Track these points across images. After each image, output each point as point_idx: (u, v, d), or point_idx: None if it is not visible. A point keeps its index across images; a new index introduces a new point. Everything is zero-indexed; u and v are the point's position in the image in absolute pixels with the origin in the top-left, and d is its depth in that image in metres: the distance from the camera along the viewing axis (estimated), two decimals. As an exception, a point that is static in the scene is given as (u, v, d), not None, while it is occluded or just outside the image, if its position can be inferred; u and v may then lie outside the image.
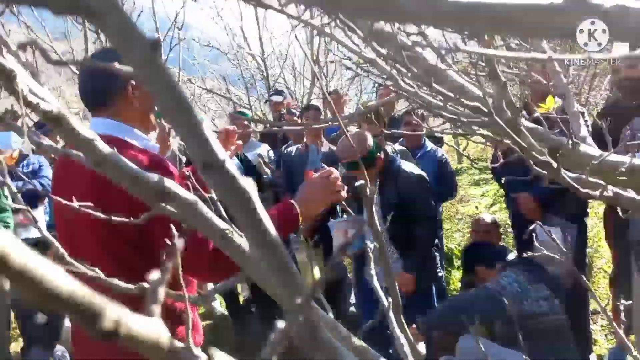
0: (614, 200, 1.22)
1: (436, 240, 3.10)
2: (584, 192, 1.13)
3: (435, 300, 3.03)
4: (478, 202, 7.09)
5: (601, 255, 4.48)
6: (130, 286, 0.88)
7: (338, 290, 3.76)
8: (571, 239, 2.79)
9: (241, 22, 7.55)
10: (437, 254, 3.08)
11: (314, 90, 8.17)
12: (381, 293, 0.65)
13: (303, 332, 0.43)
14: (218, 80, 8.62)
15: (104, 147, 0.87)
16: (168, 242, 0.53)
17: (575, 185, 1.13)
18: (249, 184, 0.40)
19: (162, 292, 0.31)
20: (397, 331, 0.60)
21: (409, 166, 2.94)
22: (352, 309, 3.98)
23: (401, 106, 8.43)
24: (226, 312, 4.26)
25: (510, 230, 4.72)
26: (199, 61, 7.80)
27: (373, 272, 0.66)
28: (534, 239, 2.38)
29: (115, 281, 0.87)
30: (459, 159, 9.65)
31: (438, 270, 3.12)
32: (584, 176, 1.22)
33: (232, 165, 0.39)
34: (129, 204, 1.06)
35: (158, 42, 0.36)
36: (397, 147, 3.48)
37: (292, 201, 1.48)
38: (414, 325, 2.42)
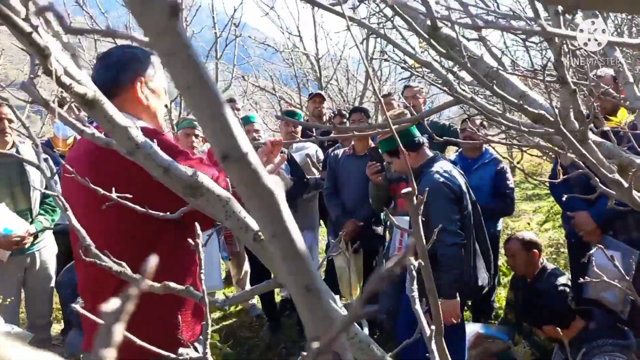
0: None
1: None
2: (659, 217, 1.02)
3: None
4: (530, 218, 6.81)
5: (662, 284, 4.19)
6: (156, 284, 0.84)
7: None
8: (632, 264, 2.60)
9: (298, 22, 7.56)
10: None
11: (367, 94, 8.09)
12: (423, 318, 0.57)
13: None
14: (272, 79, 8.66)
15: (138, 135, 0.83)
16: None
17: (649, 208, 1.02)
18: (274, 181, 0.34)
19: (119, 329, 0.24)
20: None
21: (439, 166, 2.66)
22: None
23: (453, 113, 8.22)
24: (262, 311, 4.25)
25: (563, 250, 4.50)
26: (253, 59, 7.85)
27: (415, 293, 0.59)
28: (592, 263, 2.23)
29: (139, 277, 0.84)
30: (512, 172, 9.33)
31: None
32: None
33: (256, 158, 0.33)
34: (128, 190, 1.05)
35: (178, 6, 0.30)
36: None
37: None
38: None
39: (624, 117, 1.32)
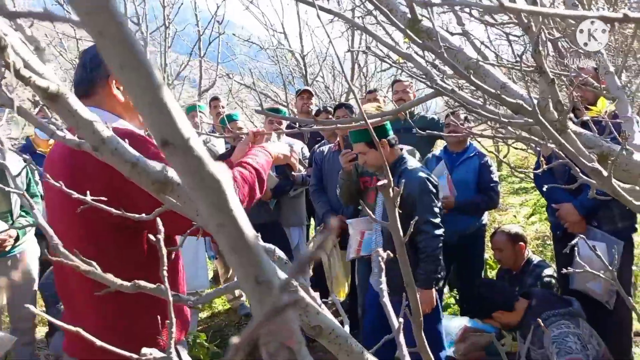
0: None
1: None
2: (637, 205, 1.01)
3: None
4: (517, 211, 6.85)
5: (647, 274, 4.23)
6: (126, 283, 0.81)
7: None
8: (616, 255, 2.61)
9: (282, 19, 7.52)
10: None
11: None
12: (392, 312, 0.56)
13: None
14: (257, 77, 8.61)
15: (104, 130, 0.81)
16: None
17: (628, 197, 1.01)
18: (219, 169, 0.32)
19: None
20: (408, 358, 0.51)
21: (414, 164, 2.81)
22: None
23: (440, 108, 8.25)
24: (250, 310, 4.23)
25: (549, 242, 4.52)
26: (237, 57, 7.80)
27: (384, 285, 0.57)
28: (576, 254, 2.24)
29: (110, 277, 0.81)
30: (499, 166, 9.37)
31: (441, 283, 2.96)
32: (638, 187, 1.10)
33: (199, 144, 0.31)
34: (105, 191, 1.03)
35: (108, -19, 0.28)
36: (406, 147, 3.36)
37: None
38: None
39: (603, 106, 1.31)
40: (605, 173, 0.99)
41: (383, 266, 0.58)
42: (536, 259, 3.27)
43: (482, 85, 1.09)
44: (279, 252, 1.03)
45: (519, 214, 6.67)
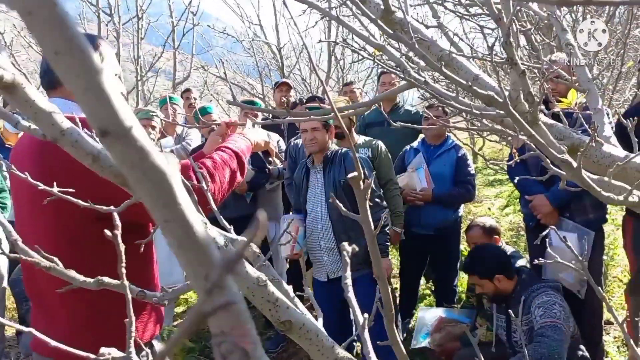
0: (638, 206, 1.10)
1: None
2: (607, 196, 1.02)
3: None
4: (492, 203, 6.93)
5: (617, 263, 4.32)
6: (89, 280, 0.79)
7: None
8: (588, 245, 2.66)
9: (258, 11, 7.43)
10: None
11: (329, 83, 8.06)
12: (357, 306, 0.54)
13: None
14: (234, 70, 8.53)
15: (64, 121, 0.78)
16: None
17: (597, 188, 1.02)
18: (165, 160, 0.30)
19: None
20: (373, 354, 0.50)
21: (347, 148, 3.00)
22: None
23: (416, 101, 8.28)
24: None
25: (523, 233, 4.58)
26: (212, 49, 7.70)
27: (349, 281, 0.56)
28: (547, 245, 2.27)
29: (72, 273, 0.79)
30: (474, 158, 9.48)
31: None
32: (606, 178, 1.11)
33: (142, 133, 0.29)
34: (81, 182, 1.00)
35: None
36: (376, 140, 3.42)
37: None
38: None
39: (573, 98, 1.32)
40: (574, 164, 0.99)
41: (348, 260, 0.57)
42: (510, 249, 3.31)
43: (453, 76, 1.09)
44: (252, 245, 1.01)
45: (494, 206, 6.75)
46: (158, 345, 1.58)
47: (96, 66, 0.28)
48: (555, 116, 1.51)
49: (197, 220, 0.31)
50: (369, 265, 2.80)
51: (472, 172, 3.72)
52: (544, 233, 1.26)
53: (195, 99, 4.87)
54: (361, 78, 9.66)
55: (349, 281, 0.57)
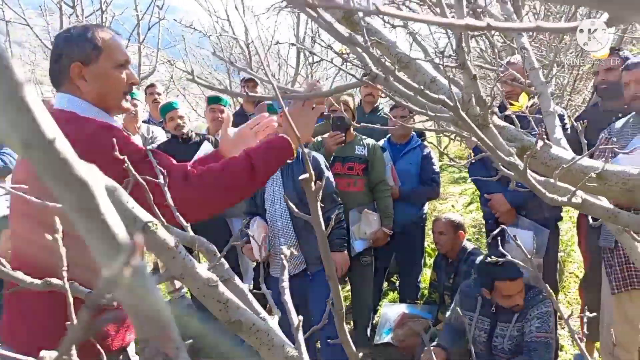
0: (581, 207, 1.15)
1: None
2: (550, 198, 1.06)
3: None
4: (456, 200, 7.06)
5: (573, 259, 4.47)
6: (37, 281, 0.78)
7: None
8: (542, 243, 2.74)
9: (226, 5, 7.36)
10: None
11: (298, 79, 8.06)
12: (292, 309, 0.56)
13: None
14: (201, 65, 8.43)
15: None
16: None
17: (542, 189, 1.06)
18: (88, 171, 0.31)
19: None
20: (306, 355, 0.51)
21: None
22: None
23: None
24: (192, 302, 4.17)
25: (485, 230, 4.68)
26: (179, 43, 7.58)
27: (286, 284, 0.57)
28: (501, 243, 2.33)
29: (20, 275, 0.78)
30: (440, 156, 9.63)
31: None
32: (552, 180, 1.15)
33: (65, 145, 0.30)
34: None
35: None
36: (368, 139, 3.45)
37: (282, 135, 1.57)
38: None
39: (524, 101, 1.36)
40: (520, 167, 1.03)
41: (286, 264, 0.58)
42: (470, 246, 3.39)
43: (404, 80, 1.11)
44: (207, 244, 1.01)
45: (458, 203, 6.88)
46: (131, 350, 1.56)
47: (17, 77, 0.29)
48: (506, 118, 1.56)
49: (121, 230, 0.32)
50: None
51: (437, 170, 3.81)
52: (495, 232, 1.31)
53: (159, 94, 4.80)
54: (330, 75, 9.69)
55: (285, 284, 0.58)
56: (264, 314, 0.91)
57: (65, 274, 0.52)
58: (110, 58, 1.44)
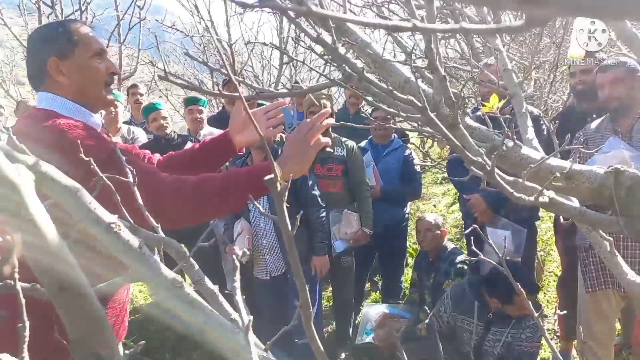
0: (548, 207, 1.17)
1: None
2: (517, 197, 1.07)
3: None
4: (439, 200, 7.11)
5: (553, 259, 4.52)
6: (-4, 282, 0.77)
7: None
8: (520, 242, 2.78)
9: (208, 6, 7.34)
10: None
11: (282, 80, 8.05)
12: (243, 308, 0.56)
13: None
14: (184, 65, 8.38)
15: None
16: None
17: (509, 188, 1.07)
18: (17, 172, 0.31)
19: None
20: (256, 356, 0.51)
21: None
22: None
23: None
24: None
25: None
26: (161, 44, 7.52)
27: (237, 284, 0.58)
28: (471, 243, 2.34)
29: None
30: (424, 157, 9.67)
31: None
32: (521, 180, 1.17)
33: (-8, 146, 0.30)
34: None
35: None
36: (348, 141, 3.45)
37: (276, 162, 1.44)
38: None
39: (495, 102, 1.38)
40: (488, 167, 1.04)
41: (237, 264, 0.58)
42: (451, 246, 3.41)
43: (373, 80, 1.12)
44: (177, 246, 1.01)
45: (440, 203, 6.92)
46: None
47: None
48: (478, 118, 1.58)
49: (52, 231, 0.32)
50: (307, 262, 2.83)
51: (418, 170, 3.84)
52: (467, 231, 1.32)
53: (142, 94, 4.77)
54: (314, 76, 9.69)
55: (237, 284, 0.58)
56: (235, 315, 0.91)
57: (17, 278, 0.51)
58: (87, 49, 1.43)
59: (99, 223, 0.80)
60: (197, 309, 0.82)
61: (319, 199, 2.94)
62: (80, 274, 0.32)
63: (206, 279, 0.98)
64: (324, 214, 2.95)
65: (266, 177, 0.77)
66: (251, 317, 0.56)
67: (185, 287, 0.83)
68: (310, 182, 2.90)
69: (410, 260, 4.51)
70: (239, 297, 0.56)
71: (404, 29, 0.30)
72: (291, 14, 1.55)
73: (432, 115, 1.05)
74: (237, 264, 0.59)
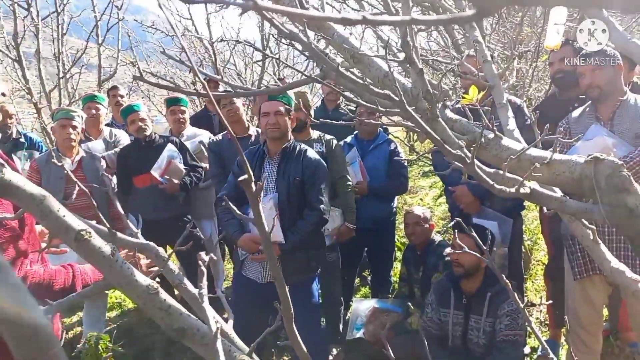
0: (529, 198, 1.16)
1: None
2: (498, 189, 1.06)
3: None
4: (426, 193, 7.13)
5: (540, 247, 4.55)
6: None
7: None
8: (506, 232, 2.78)
9: (189, 5, 7.25)
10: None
11: (265, 77, 8.01)
12: (211, 314, 0.54)
13: None
14: (165, 65, 8.30)
15: None
16: None
17: (490, 180, 1.07)
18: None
19: None
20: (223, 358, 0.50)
21: (312, 152, 2.86)
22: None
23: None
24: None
25: (453, 222, 4.73)
26: (141, 44, 7.45)
27: (204, 290, 0.56)
28: (455, 234, 2.34)
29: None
30: (411, 150, 9.70)
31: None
32: (501, 172, 1.16)
33: None
34: None
35: None
36: (327, 136, 3.44)
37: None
38: None
39: (474, 94, 1.37)
40: (468, 159, 1.03)
41: (204, 270, 0.57)
42: (438, 238, 3.42)
43: (349, 75, 1.10)
44: (156, 250, 0.99)
45: (427, 196, 6.94)
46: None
47: None
48: (457, 110, 1.57)
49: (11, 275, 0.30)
50: (309, 270, 2.77)
51: (405, 164, 3.83)
52: (451, 224, 1.31)
53: (122, 96, 4.71)
54: (297, 73, 9.64)
55: (204, 291, 0.57)
56: (217, 318, 0.89)
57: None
58: None
59: (68, 231, 0.78)
60: (174, 314, 0.80)
61: (324, 206, 2.74)
62: (19, 285, 0.30)
63: (187, 282, 0.96)
64: (310, 220, 2.73)
65: (240, 178, 0.75)
66: (224, 324, 0.54)
67: (160, 293, 0.81)
68: (318, 184, 2.74)
69: (399, 254, 4.51)
70: (206, 304, 0.55)
71: (353, 22, 0.29)
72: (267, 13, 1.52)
73: (409, 109, 1.03)
74: (204, 269, 0.58)
